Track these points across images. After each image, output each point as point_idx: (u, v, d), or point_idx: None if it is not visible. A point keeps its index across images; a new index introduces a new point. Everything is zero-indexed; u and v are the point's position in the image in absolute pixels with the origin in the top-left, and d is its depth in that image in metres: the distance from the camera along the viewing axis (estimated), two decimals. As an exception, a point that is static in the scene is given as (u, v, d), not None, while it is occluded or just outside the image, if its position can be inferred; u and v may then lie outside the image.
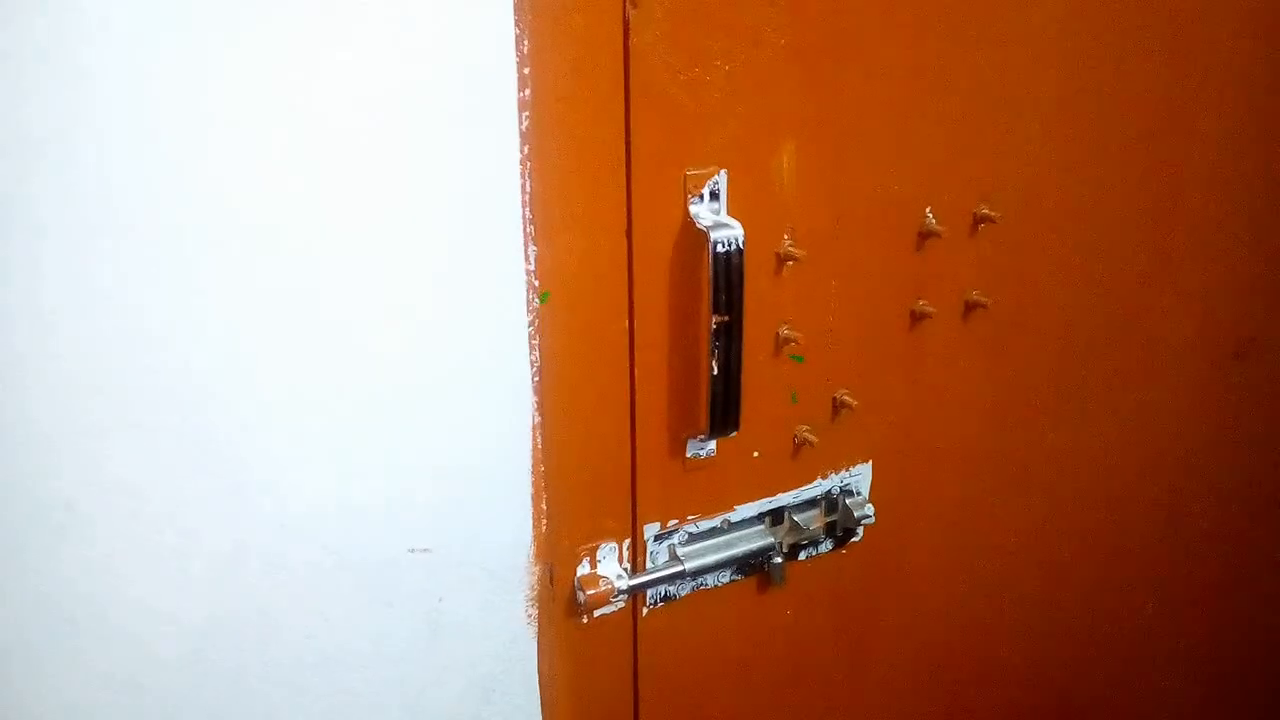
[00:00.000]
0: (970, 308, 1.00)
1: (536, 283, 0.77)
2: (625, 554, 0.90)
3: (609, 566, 0.90)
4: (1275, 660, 1.43)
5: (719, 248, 0.81)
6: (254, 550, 0.74)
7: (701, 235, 0.82)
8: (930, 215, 0.93)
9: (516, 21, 0.70)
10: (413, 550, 0.79)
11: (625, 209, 0.80)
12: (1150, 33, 1.00)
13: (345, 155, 0.67)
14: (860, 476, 1.00)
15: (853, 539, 1.02)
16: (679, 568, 0.92)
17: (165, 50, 0.61)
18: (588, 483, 0.86)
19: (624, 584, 0.89)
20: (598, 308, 0.81)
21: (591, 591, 0.88)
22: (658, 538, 0.91)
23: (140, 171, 0.62)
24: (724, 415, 0.86)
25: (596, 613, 0.90)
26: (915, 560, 1.08)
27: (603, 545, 0.89)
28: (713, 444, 0.90)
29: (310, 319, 0.70)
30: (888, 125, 0.88)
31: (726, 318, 0.83)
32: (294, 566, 0.76)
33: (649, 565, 0.92)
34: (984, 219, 0.96)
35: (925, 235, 0.94)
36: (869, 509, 1.00)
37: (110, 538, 0.69)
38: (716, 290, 0.82)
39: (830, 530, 1.00)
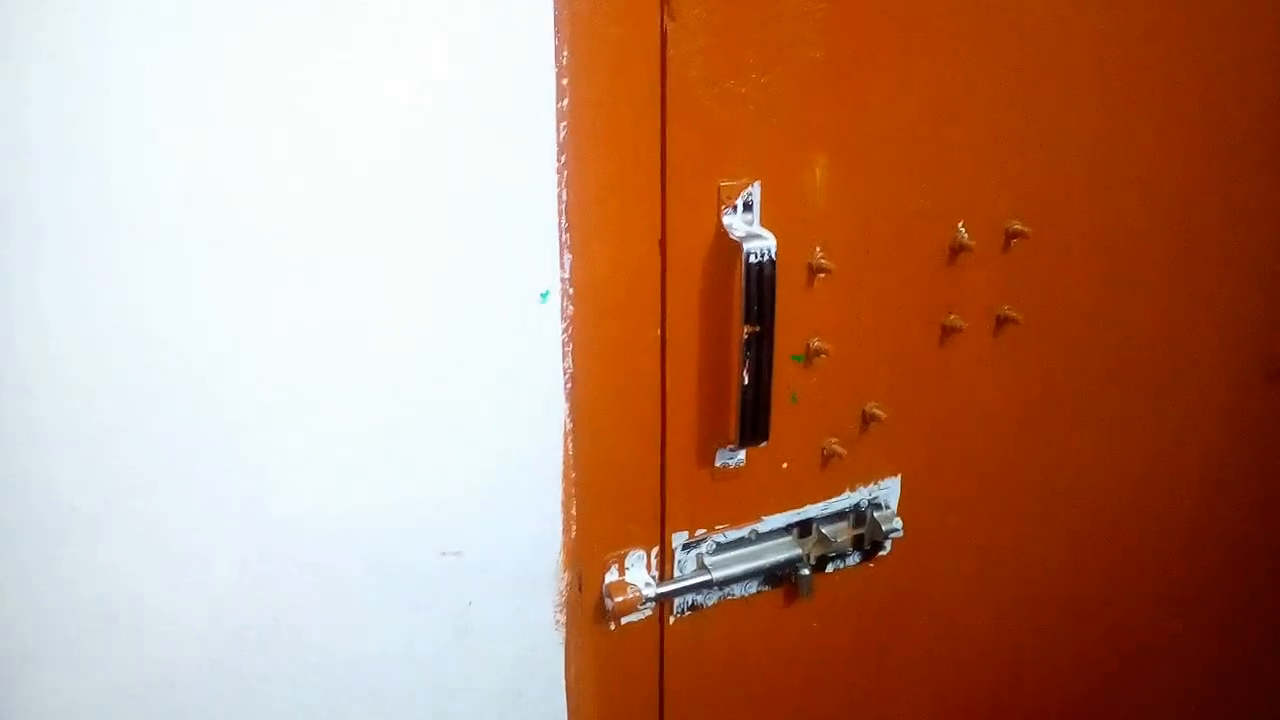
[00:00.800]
0: (1001, 323, 1.00)
1: (572, 291, 0.78)
2: (653, 562, 0.91)
3: (637, 574, 0.90)
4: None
5: (752, 258, 0.81)
6: (286, 553, 0.75)
7: (734, 246, 0.82)
8: (963, 229, 0.94)
9: (556, 33, 0.71)
10: (443, 554, 0.80)
11: (659, 219, 0.81)
12: (1183, 49, 1.00)
13: (390, 165, 0.68)
14: (889, 490, 1.00)
15: (880, 552, 1.02)
16: (706, 577, 0.92)
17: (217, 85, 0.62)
18: (617, 490, 0.87)
19: (651, 592, 0.90)
20: (630, 317, 0.82)
21: (619, 599, 0.88)
22: (686, 546, 0.92)
23: (194, 189, 0.64)
24: (754, 425, 0.86)
25: (624, 620, 0.91)
26: (942, 575, 1.08)
27: (631, 553, 0.90)
28: (742, 454, 0.91)
29: (348, 328, 0.71)
30: (920, 139, 0.89)
31: (758, 328, 0.83)
32: (325, 569, 0.77)
33: (676, 574, 0.92)
34: (1017, 234, 0.97)
35: (957, 249, 0.95)
36: (897, 523, 1.00)
37: (135, 542, 0.70)
38: (749, 301, 0.82)
39: (858, 543, 1.01)
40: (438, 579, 0.81)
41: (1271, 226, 1.12)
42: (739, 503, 0.93)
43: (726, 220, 0.83)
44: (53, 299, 0.63)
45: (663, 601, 0.92)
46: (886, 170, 0.88)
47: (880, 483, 1.00)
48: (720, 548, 0.94)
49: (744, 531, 0.95)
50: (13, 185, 0.61)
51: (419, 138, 0.69)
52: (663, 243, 0.81)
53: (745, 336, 0.83)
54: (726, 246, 0.83)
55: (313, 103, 0.65)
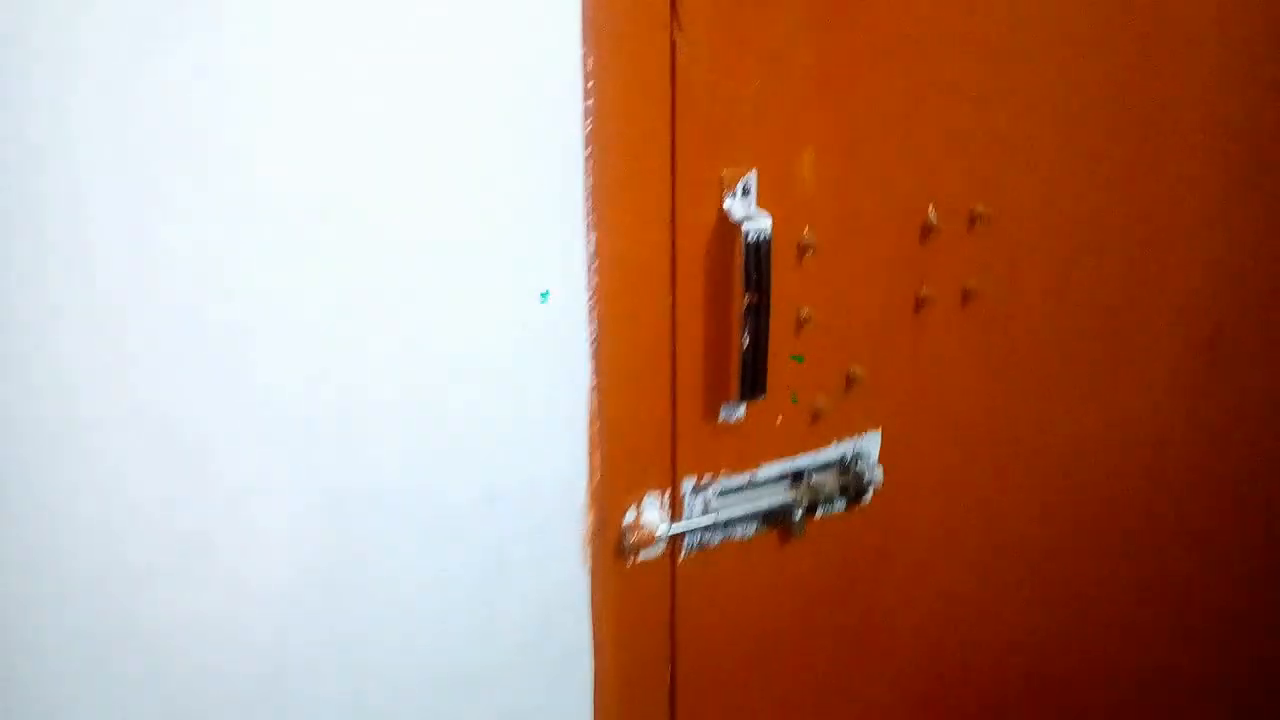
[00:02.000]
0: (967, 295, 1.13)
1: (596, 263, 0.91)
2: (665, 504, 1.03)
3: (651, 515, 1.03)
4: (1246, 637, 1.56)
5: (750, 237, 0.94)
6: (354, 494, 0.87)
7: (734, 226, 0.95)
8: (932, 212, 1.07)
9: (583, 42, 0.84)
10: (487, 494, 0.93)
11: (670, 202, 0.93)
12: (1130, 49, 1.13)
13: (446, 153, 0.81)
14: (871, 443, 1.13)
15: (863, 499, 1.15)
16: (712, 518, 1.05)
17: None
18: (635, 440, 1.00)
19: (664, 530, 1.02)
20: (645, 286, 0.95)
21: (636, 536, 1.01)
22: (694, 491, 1.05)
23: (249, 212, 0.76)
24: (753, 382, 0.99)
25: (640, 556, 1.03)
26: (919, 520, 1.21)
27: (647, 496, 1.02)
28: (742, 408, 1.03)
29: (415, 300, 0.84)
30: (895, 132, 1.02)
31: (756, 297, 0.96)
32: (388, 509, 0.89)
33: (686, 515, 1.05)
34: (979, 216, 1.10)
35: (927, 229, 1.08)
36: (878, 472, 1.13)
37: (230, 503, 0.82)
38: (748, 274, 0.95)
39: (843, 491, 1.13)
40: (482, 518, 0.93)
41: (1208, 207, 1.26)
42: (739, 452, 1.06)
43: (727, 204, 0.96)
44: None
45: (674, 539, 1.05)
46: (865, 159, 1.01)
47: (863, 436, 1.13)
48: (723, 493, 1.07)
49: (744, 479, 1.07)
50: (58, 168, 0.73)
51: (476, 131, 0.81)
52: (673, 223, 0.94)
53: (745, 304, 0.96)
54: (728, 226, 0.96)
55: (384, 101, 0.78)
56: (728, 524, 1.07)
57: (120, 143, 0.71)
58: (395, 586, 0.91)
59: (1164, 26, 1.14)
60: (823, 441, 1.11)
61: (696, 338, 0.99)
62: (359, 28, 0.75)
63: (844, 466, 1.13)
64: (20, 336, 0.73)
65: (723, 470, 1.06)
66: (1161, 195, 1.23)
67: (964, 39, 1.03)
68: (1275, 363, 1.40)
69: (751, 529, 1.10)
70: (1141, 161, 1.19)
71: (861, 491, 1.14)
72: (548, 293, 0.88)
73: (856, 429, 1.12)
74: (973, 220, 1.10)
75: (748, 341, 0.97)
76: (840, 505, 1.15)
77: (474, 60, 0.80)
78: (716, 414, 1.03)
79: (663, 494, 1.03)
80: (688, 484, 1.04)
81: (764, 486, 1.09)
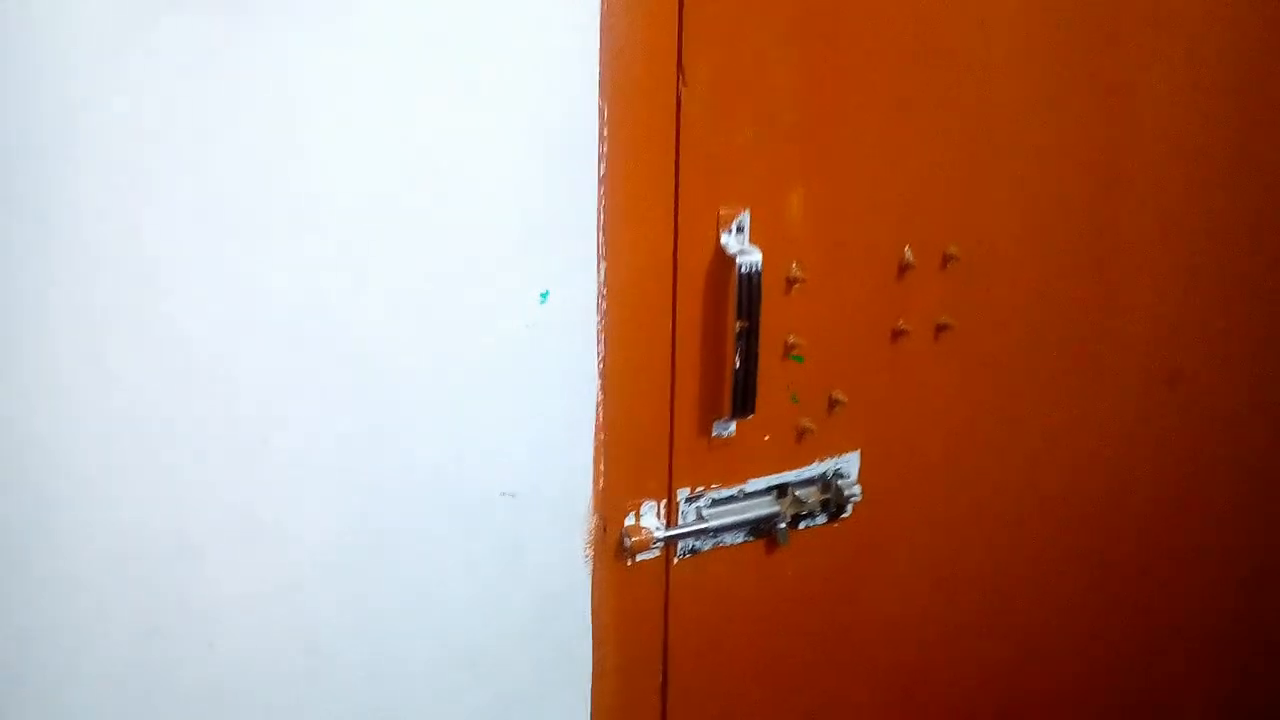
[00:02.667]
0: (941, 328, 1.24)
1: (605, 290, 1.02)
2: (662, 511, 1.14)
3: (649, 520, 1.13)
4: (1199, 657, 1.65)
5: (743, 269, 1.05)
6: (387, 488, 0.97)
7: (729, 259, 1.06)
8: (908, 251, 1.18)
9: (600, 95, 0.96)
10: (503, 494, 1.03)
11: (673, 237, 1.04)
12: (1094, 100, 1.24)
13: (479, 190, 0.92)
14: (851, 462, 1.24)
15: (844, 514, 1.25)
16: (704, 525, 1.15)
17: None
18: (635, 451, 1.10)
19: (660, 534, 1.12)
20: (648, 312, 1.06)
21: (635, 539, 1.11)
22: (688, 500, 1.15)
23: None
24: (743, 401, 1.10)
25: (638, 557, 1.13)
26: (896, 535, 1.31)
27: (645, 502, 1.12)
28: (733, 425, 1.14)
29: (446, 321, 0.95)
30: (876, 178, 1.13)
31: (747, 323, 1.07)
32: (417, 503, 0.99)
33: (680, 522, 1.15)
34: (951, 257, 1.21)
35: (904, 267, 1.19)
36: (857, 489, 1.23)
37: (270, 458, 0.93)
38: (740, 302, 1.06)
39: (825, 505, 1.23)
40: (498, 514, 1.03)
41: (1170, 253, 1.37)
42: (730, 466, 1.16)
43: (724, 239, 1.07)
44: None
45: (669, 543, 1.15)
46: (848, 203, 1.13)
47: (844, 456, 1.23)
48: (715, 503, 1.17)
49: (734, 490, 1.18)
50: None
51: (506, 173, 0.93)
52: (675, 255, 1.05)
53: (737, 330, 1.07)
54: (723, 260, 1.07)
55: (433, 138, 0.89)
56: (718, 531, 1.17)
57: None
58: (418, 575, 1.01)
59: (1128, 77, 1.25)
60: (807, 459, 1.21)
61: (693, 360, 1.10)
62: (421, 86, 0.87)
63: (826, 483, 1.23)
64: (89, 335, 0.83)
65: (714, 482, 1.16)
66: (1124, 241, 1.34)
67: (938, 94, 1.14)
68: (1232, 401, 1.51)
69: (740, 537, 1.20)
70: (1106, 209, 1.31)
71: (842, 506, 1.25)
72: (549, 300, 0.99)
73: (838, 449, 1.23)
74: (945, 260, 1.21)
75: (739, 364, 1.08)
76: (822, 518, 1.25)
77: (507, 110, 0.92)
78: (710, 430, 1.13)
79: (659, 502, 1.13)
80: (682, 493, 1.14)
81: (752, 498, 1.19)
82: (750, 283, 1.06)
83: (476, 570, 1.04)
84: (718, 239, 1.07)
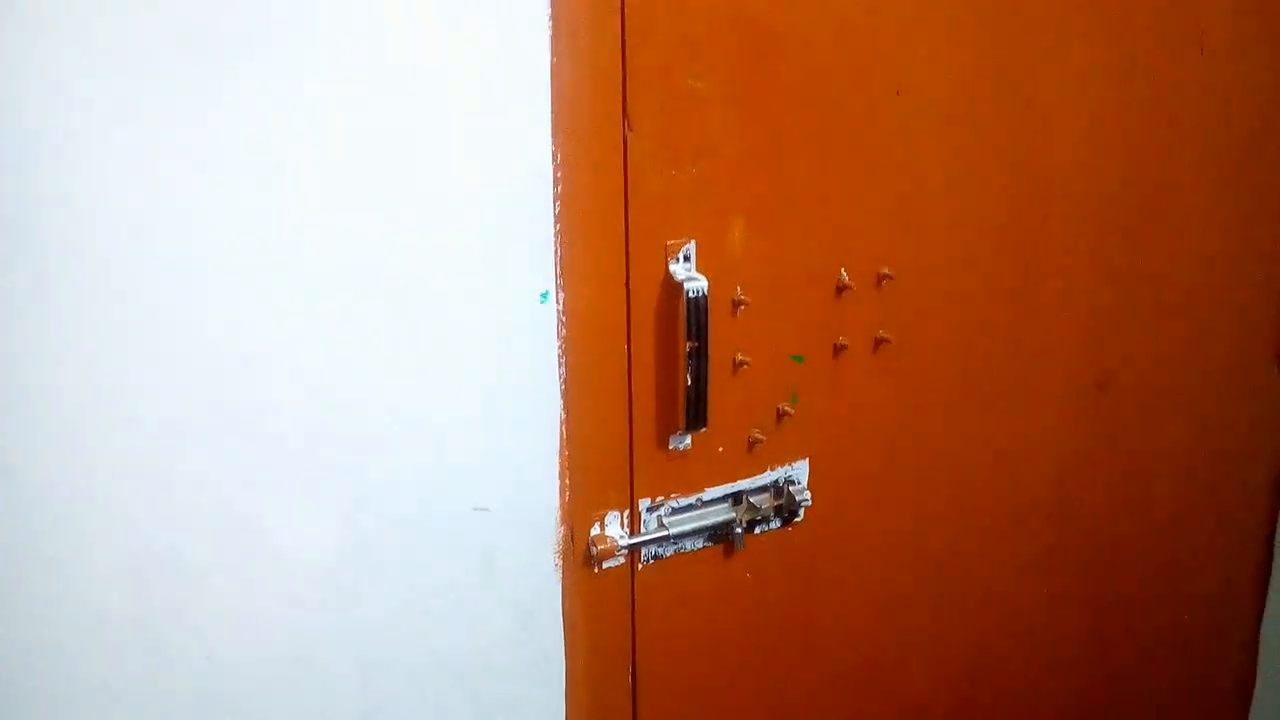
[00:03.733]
0: (878, 343, 1.34)
1: (564, 318, 1.11)
2: (625, 520, 1.22)
3: (613, 529, 1.22)
4: (1139, 653, 1.75)
5: (690, 294, 1.15)
6: (370, 504, 1.06)
7: (678, 286, 1.16)
8: (844, 273, 1.28)
9: (552, 140, 1.05)
10: (476, 509, 1.11)
11: (624, 267, 1.14)
12: (1012, 120, 1.33)
13: (447, 225, 1.02)
14: (800, 469, 1.33)
15: (796, 519, 1.34)
16: (665, 533, 1.24)
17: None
18: (598, 464, 1.19)
19: (624, 542, 1.21)
20: (605, 336, 1.15)
21: (601, 547, 1.20)
22: (649, 509, 1.24)
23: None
24: (695, 415, 1.19)
25: (604, 565, 1.22)
26: (846, 537, 1.40)
27: (609, 513, 1.21)
28: (688, 438, 1.23)
29: (420, 350, 1.03)
30: (811, 207, 1.23)
31: (697, 344, 1.16)
32: (397, 519, 1.07)
33: (643, 530, 1.24)
34: (885, 276, 1.31)
35: (841, 288, 1.29)
36: (807, 495, 1.32)
37: (268, 481, 1.01)
38: (689, 325, 1.16)
39: (779, 511, 1.32)
40: (471, 528, 1.12)
41: (1092, 260, 1.48)
42: (687, 476, 1.25)
43: (672, 268, 1.17)
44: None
45: (633, 551, 1.23)
46: (786, 229, 1.23)
47: (794, 464, 1.32)
48: (675, 511, 1.26)
49: (692, 499, 1.27)
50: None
51: (470, 218, 1.02)
52: (627, 284, 1.15)
53: (688, 350, 1.17)
54: (673, 286, 1.17)
55: (402, 179, 0.99)
56: (678, 538, 1.26)
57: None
58: (401, 588, 1.09)
59: (1047, 92, 1.35)
60: (759, 468, 1.30)
61: (649, 379, 1.19)
62: (400, 134, 0.97)
63: (778, 490, 1.32)
64: (118, 339, 0.92)
65: (674, 491, 1.25)
66: (1050, 251, 1.43)
67: (866, 124, 1.24)
68: (1160, 403, 1.62)
69: (700, 542, 1.29)
70: (1031, 222, 1.40)
71: (794, 511, 1.34)
72: (514, 329, 1.08)
73: (788, 457, 1.32)
74: (880, 280, 1.31)
75: (690, 381, 1.18)
76: (776, 523, 1.34)
77: (466, 158, 1.01)
78: (667, 443, 1.22)
79: (623, 512, 1.22)
80: (644, 503, 1.23)
81: (710, 506, 1.28)
82: (698, 307, 1.15)
83: (455, 582, 1.12)
84: (666, 267, 1.16)
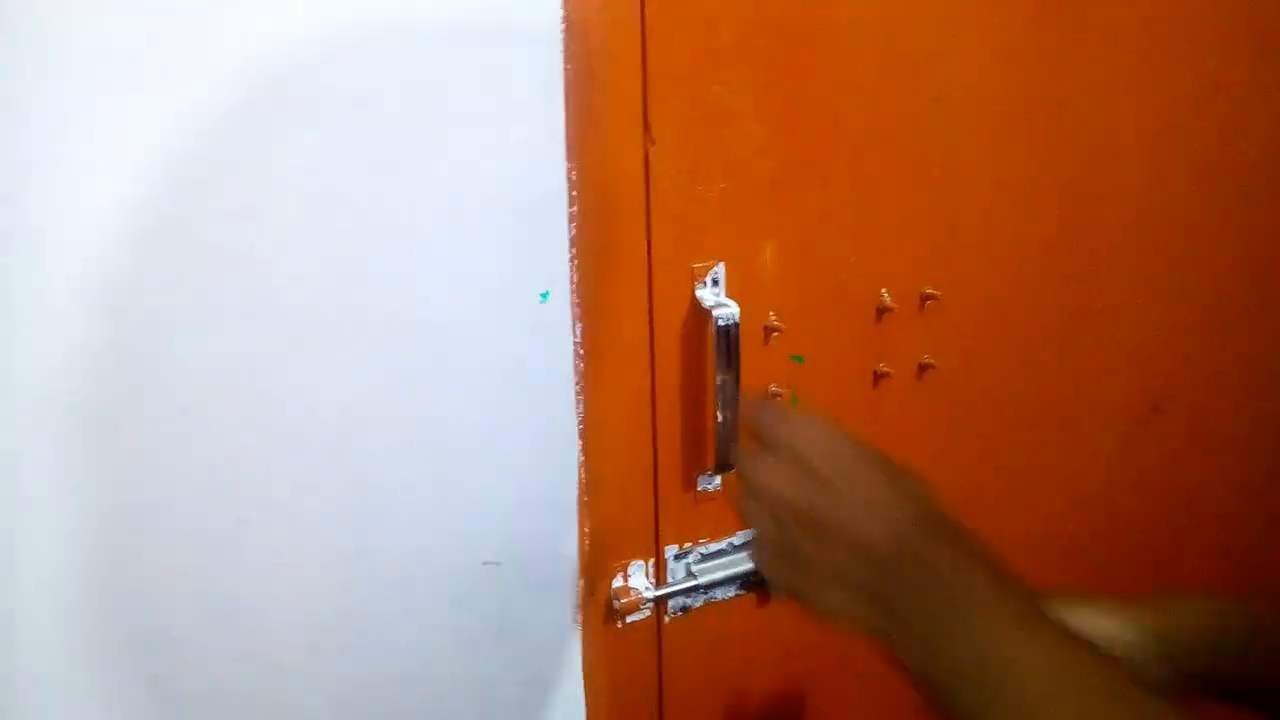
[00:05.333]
0: (923, 368, 1.24)
1: (582, 351, 1.00)
2: (650, 570, 1.12)
3: (638, 580, 1.11)
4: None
5: (720, 322, 1.04)
6: (370, 566, 0.95)
7: (706, 313, 1.05)
8: (885, 294, 1.17)
9: (567, 158, 0.95)
10: (486, 563, 1.01)
11: (647, 294, 1.03)
12: (1065, 137, 1.25)
13: (454, 256, 0.91)
14: (838, 508, 1.22)
15: (834, 561, 1.24)
16: (694, 582, 1.13)
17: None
18: (620, 511, 1.08)
19: (650, 594, 1.11)
20: (627, 370, 1.05)
21: (624, 600, 1.09)
22: (676, 557, 1.13)
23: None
24: (725, 454, 1.09)
25: (628, 619, 1.11)
26: (887, 580, 1.29)
27: (632, 563, 1.11)
28: (718, 479, 1.12)
29: (432, 395, 0.93)
30: (848, 224, 1.13)
31: (727, 376, 1.06)
32: (398, 577, 0.97)
33: (670, 580, 1.13)
34: (929, 297, 1.20)
35: (882, 310, 1.18)
36: (846, 535, 1.22)
37: (262, 544, 0.91)
38: (719, 355, 1.05)
39: (815, 554, 1.22)
40: (481, 584, 1.01)
41: (1145, 280, 1.38)
42: (717, 520, 1.15)
43: (699, 293, 1.06)
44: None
45: (659, 603, 1.13)
46: (821, 250, 1.12)
47: (831, 502, 1.22)
48: (704, 558, 1.15)
49: (723, 544, 1.16)
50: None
51: (475, 242, 0.92)
52: (650, 313, 1.04)
53: (718, 383, 1.06)
54: (700, 314, 1.06)
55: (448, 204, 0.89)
56: (709, 587, 1.15)
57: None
58: (404, 652, 0.99)
59: (1100, 106, 1.26)
60: (794, 508, 1.19)
61: (674, 415, 1.08)
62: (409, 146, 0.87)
63: (815, 531, 1.22)
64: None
65: (702, 537, 1.14)
66: (1100, 277, 1.34)
67: (907, 136, 1.14)
68: (1215, 428, 1.51)
69: (731, 591, 1.18)
70: (1082, 240, 1.31)
71: (832, 554, 1.23)
72: (528, 364, 0.98)
73: (825, 495, 1.21)
74: (923, 300, 1.21)
75: (721, 417, 1.07)
76: (813, 567, 1.23)
77: (473, 181, 0.91)
78: (695, 484, 1.12)
79: (647, 561, 1.11)
80: (670, 551, 1.13)
81: (741, 551, 1.17)
82: (729, 336, 1.05)
83: (463, 644, 1.02)
84: (693, 293, 1.06)
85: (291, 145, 0.84)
